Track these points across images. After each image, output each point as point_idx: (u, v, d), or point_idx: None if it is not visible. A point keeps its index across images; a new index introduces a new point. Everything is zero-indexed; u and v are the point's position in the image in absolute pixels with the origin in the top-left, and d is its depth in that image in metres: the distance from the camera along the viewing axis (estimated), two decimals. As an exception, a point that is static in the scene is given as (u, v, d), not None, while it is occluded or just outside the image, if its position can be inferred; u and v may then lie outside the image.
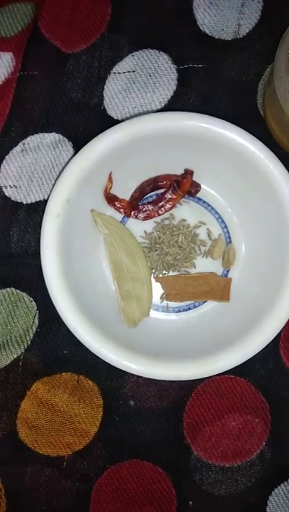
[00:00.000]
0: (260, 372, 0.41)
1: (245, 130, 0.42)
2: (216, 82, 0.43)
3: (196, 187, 0.42)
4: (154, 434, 0.41)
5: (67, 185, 0.36)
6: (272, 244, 0.39)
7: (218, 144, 0.37)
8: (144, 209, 0.42)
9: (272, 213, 0.38)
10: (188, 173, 0.41)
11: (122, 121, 0.42)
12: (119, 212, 0.41)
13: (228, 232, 0.42)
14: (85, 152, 0.36)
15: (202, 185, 0.42)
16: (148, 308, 0.41)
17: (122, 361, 0.36)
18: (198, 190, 0.42)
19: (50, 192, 0.37)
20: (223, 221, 0.42)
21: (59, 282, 0.36)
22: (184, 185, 0.41)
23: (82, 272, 0.39)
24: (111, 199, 0.41)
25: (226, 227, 0.42)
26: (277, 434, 0.41)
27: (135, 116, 0.43)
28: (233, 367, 0.36)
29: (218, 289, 0.41)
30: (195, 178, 0.41)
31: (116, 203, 0.41)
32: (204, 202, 0.42)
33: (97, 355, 0.35)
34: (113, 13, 0.43)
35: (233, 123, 0.42)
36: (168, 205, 0.41)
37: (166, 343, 0.40)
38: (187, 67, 0.42)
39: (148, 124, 0.36)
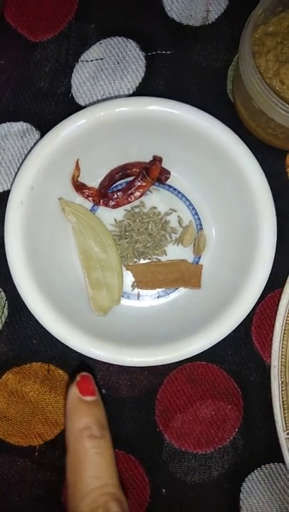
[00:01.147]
0: (232, 359, 0.41)
1: (215, 117, 0.42)
2: (185, 69, 0.42)
3: (166, 174, 0.41)
4: (126, 422, 0.41)
5: (31, 171, 0.36)
6: (241, 231, 0.39)
7: (185, 129, 0.37)
8: (113, 197, 0.41)
9: (240, 199, 0.38)
10: (157, 159, 0.41)
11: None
12: (88, 200, 0.41)
13: (199, 219, 0.42)
14: (48, 138, 0.36)
15: (172, 172, 0.42)
16: (118, 296, 0.40)
17: (88, 348, 0.35)
18: (168, 177, 0.42)
19: (13, 179, 0.36)
20: (193, 208, 0.42)
21: (24, 270, 0.35)
22: (153, 173, 0.41)
23: (51, 261, 0.39)
24: (79, 187, 0.41)
25: (196, 214, 0.42)
26: (250, 421, 0.41)
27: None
28: (201, 351, 0.36)
29: (189, 276, 0.41)
30: (165, 164, 0.41)
31: (84, 191, 0.41)
32: (175, 189, 0.42)
33: (62, 341, 0.35)
34: (80, 1, 0.43)
35: (203, 109, 0.42)
36: (137, 193, 0.41)
37: (137, 330, 0.40)
38: (155, 54, 0.42)
39: (112, 109, 0.36)
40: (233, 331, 0.39)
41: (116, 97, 0.42)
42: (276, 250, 0.41)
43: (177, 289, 0.42)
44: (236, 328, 0.37)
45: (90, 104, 0.42)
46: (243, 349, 0.41)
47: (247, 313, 0.36)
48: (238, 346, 0.41)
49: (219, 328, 0.36)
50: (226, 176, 0.38)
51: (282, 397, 0.37)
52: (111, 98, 0.42)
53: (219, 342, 0.37)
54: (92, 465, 0.30)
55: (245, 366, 0.41)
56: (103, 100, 0.42)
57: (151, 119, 0.37)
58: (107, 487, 0.29)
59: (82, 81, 0.42)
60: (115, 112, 0.36)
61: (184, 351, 0.36)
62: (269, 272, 0.36)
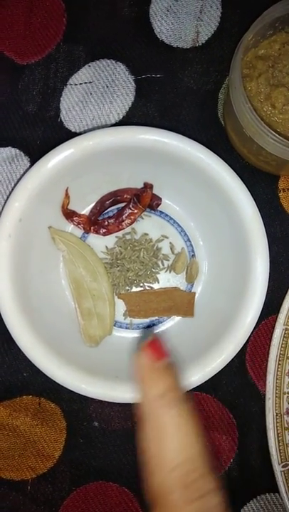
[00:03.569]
0: (227, 388, 0.40)
1: (207, 141, 0.41)
2: (175, 92, 0.42)
3: (157, 200, 0.41)
4: (119, 454, 0.40)
5: (19, 204, 0.35)
6: (234, 260, 0.38)
7: (175, 158, 0.36)
8: (104, 224, 0.41)
9: (232, 229, 0.37)
10: (148, 187, 0.40)
11: (80, 133, 0.41)
12: (79, 227, 0.40)
13: (191, 245, 0.41)
14: (36, 168, 0.35)
15: (163, 199, 0.41)
16: (110, 326, 0.40)
17: (79, 384, 0.35)
18: (160, 204, 0.41)
19: (1, 209, 0.35)
20: (186, 234, 0.41)
21: (11, 304, 0.35)
22: (144, 199, 0.40)
23: (41, 291, 0.38)
24: (69, 215, 0.40)
25: (188, 240, 0.41)
26: (245, 451, 0.40)
27: (93, 128, 0.42)
28: (194, 387, 0.35)
29: (181, 304, 0.41)
30: (156, 191, 0.41)
31: (75, 218, 0.40)
32: (166, 215, 0.41)
33: (52, 378, 0.34)
34: (68, 22, 0.42)
35: (193, 134, 0.41)
36: (129, 220, 0.41)
37: (129, 362, 0.39)
38: (145, 77, 0.41)
39: (100, 139, 0.35)
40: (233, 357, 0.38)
41: (106, 121, 0.41)
42: (269, 277, 0.40)
43: (170, 317, 0.41)
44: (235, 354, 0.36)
45: (80, 129, 0.41)
46: (237, 378, 0.40)
47: (240, 347, 0.35)
48: (233, 375, 0.40)
49: (212, 362, 0.36)
50: (217, 205, 0.38)
51: (277, 429, 0.37)
52: (101, 123, 0.41)
53: None
54: (177, 435, 0.27)
55: (240, 396, 0.40)
56: (93, 125, 0.41)
57: (140, 148, 0.36)
58: (196, 461, 0.27)
59: (71, 105, 0.41)
60: (104, 142, 0.35)
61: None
62: (262, 304, 0.36)
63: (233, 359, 0.39)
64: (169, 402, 0.28)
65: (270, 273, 0.41)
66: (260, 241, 0.36)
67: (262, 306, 0.36)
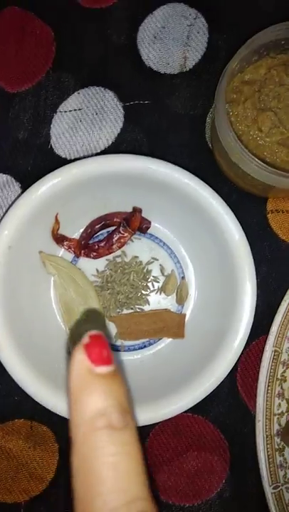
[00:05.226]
0: (218, 409, 0.41)
1: (195, 166, 0.42)
2: (163, 118, 0.42)
3: (147, 224, 0.41)
4: (111, 476, 0.40)
5: (8, 232, 0.35)
6: (222, 281, 0.38)
7: (162, 184, 0.37)
8: (94, 247, 0.41)
9: (219, 253, 0.38)
10: (137, 211, 0.40)
11: (71, 160, 0.42)
12: (69, 251, 0.41)
13: (181, 267, 0.42)
14: (26, 197, 0.36)
15: (153, 222, 0.41)
16: (101, 349, 0.40)
17: (63, 409, 0.35)
18: (149, 227, 0.41)
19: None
20: (175, 256, 0.42)
21: (3, 332, 0.35)
22: (133, 223, 0.40)
23: (31, 316, 0.39)
24: (59, 239, 0.40)
25: (178, 262, 0.42)
26: (237, 472, 0.40)
27: (83, 155, 0.42)
28: (184, 410, 0.36)
29: (172, 325, 0.41)
30: (145, 214, 0.41)
31: (65, 242, 0.41)
32: (156, 238, 0.42)
33: (42, 404, 0.35)
34: (57, 50, 0.43)
35: (182, 158, 0.42)
36: (119, 243, 0.41)
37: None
38: (133, 104, 0.42)
39: (89, 168, 0.36)
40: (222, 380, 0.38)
41: (95, 147, 0.42)
42: (259, 297, 0.41)
43: (161, 339, 0.41)
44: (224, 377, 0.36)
45: (70, 155, 0.42)
46: (228, 399, 0.41)
47: (229, 370, 0.36)
48: (224, 396, 0.41)
49: (202, 385, 0.36)
50: (204, 229, 0.38)
51: (268, 451, 0.37)
52: (90, 149, 0.42)
53: None
54: (114, 472, 0.19)
55: (231, 416, 0.41)
56: (83, 151, 0.42)
57: (128, 175, 0.37)
58: (137, 503, 0.19)
59: (61, 131, 0.42)
60: (91, 170, 0.36)
61: (168, 409, 0.36)
62: (250, 328, 0.36)
63: (224, 380, 0.40)
64: (109, 425, 0.20)
65: (260, 293, 0.41)
66: (247, 265, 0.36)
67: (249, 330, 0.36)
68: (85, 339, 0.22)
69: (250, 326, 0.36)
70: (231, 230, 0.36)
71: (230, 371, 0.40)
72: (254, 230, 0.42)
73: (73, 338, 0.40)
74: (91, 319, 0.40)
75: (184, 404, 0.36)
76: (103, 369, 0.21)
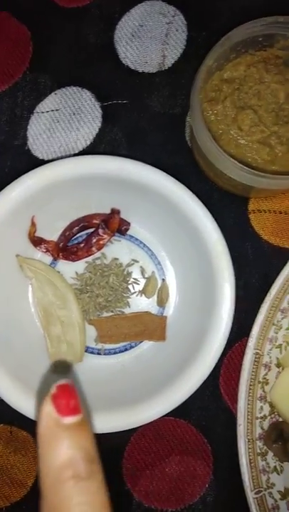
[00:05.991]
0: (201, 412, 0.40)
1: (174, 163, 0.41)
2: (142, 117, 0.42)
3: (126, 225, 0.41)
4: (92, 482, 0.40)
5: (-19, 236, 0.35)
6: (201, 282, 0.38)
7: (139, 185, 0.36)
8: (73, 250, 0.41)
9: (198, 252, 0.37)
10: (115, 212, 0.40)
11: (48, 161, 0.41)
12: (47, 254, 0.40)
13: (162, 269, 0.41)
14: (0, 200, 0.35)
15: (132, 223, 0.41)
16: (81, 353, 0.39)
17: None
18: (128, 229, 0.41)
19: None
20: (156, 258, 0.41)
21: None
22: (111, 225, 0.40)
23: (9, 320, 0.38)
24: (37, 242, 0.40)
25: (159, 264, 0.41)
26: (220, 476, 0.39)
27: (61, 155, 0.42)
28: (161, 415, 0.35)
29: (153, 328, 0.40)
30: (124, 216, 0.41)
31: (43, 245, 0.40)
32: (136, 239, 0.41)
33: (18, 410, 0.34)
34: (34, 51, 0.42)
35: (161, 157, 0.41)
36: (98, 245, 0.41)
37: (101, 388, 0.39)
38: (111, 104, 0.42)
39: (63, 169, 0.35)
40: (201, 384, 0.38)
41: (73, 148, 0.42)
42: (242, 298, 0.40)
43: (142, 342, 0.41)
44: (204, 380, 0.36)
45: (48, 156, 0.42)
46: (211, 402, 0.40)
47: (208, 374, 0.35)
48: (207, 399, 0.40)
49: (182, 388, 0.35)
50: (183, 230, 0.38)
51: (249, 456, 0.36)
52: (68, 150, 0.42)
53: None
54: None
55: (214, 420, 0.40)
56: (60, 152, 0.42)
57: (104, 176, 0.36)
58: None
59: (39, 133, 0.42)
60: (66, 172, 0.35)
61: (148, 414, 0.35)
62: (228, 331, 0.35)
63: (207, 383, 0.39)
64: (75, 475, 0.21)
65: (243, 294, 0.41)
66: (225, 266, 0.36)
67: (228, 333, 0.35)
68: (53, 390, 0.23)
69: (229, 328, 0.36)
70: (209, 231, 0.36)
71: (213, 374, 0.40)
72: (236, 231, 0.41)
73: (51, 342, 0.39)
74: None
75: (164, 408, 0.35)
76: (70, 419, 0.22)
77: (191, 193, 0.36)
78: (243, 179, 0.36)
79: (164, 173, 0.36)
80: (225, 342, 0.36)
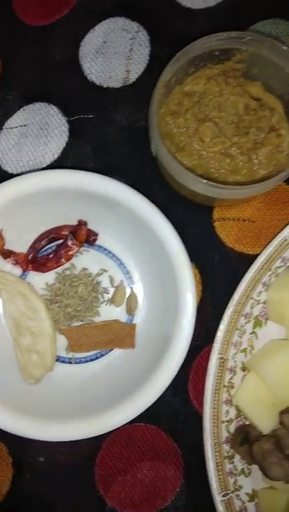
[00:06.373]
0: (171, 417, 0.41)
1: (140, 175, 0.42)
2: (108, 131, 0.43)
3: (94, 236, 0.42)
4: (65, 488, 0.40)
5: None
6: (165, 291, 0.39)
7: (102, 198, 0.38)
8: (43, 261, 0.42)
9: (161, 261, 0.38)
10: (82, 223, 0.41)
11: (18, 175, 0.43)
12: (17, 266, 0.41)
13: (130, 277, 0.42)
14: None
15: (100, 234, 0.42)
16: (51, 363, 0.40)
17: (19, 428, 0.35)
18: (96, 239, 0.42)
19: None
20: (124, 267, 0.42)
21: None
22: (79, 236, 0.41)
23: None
24: (6, 254, 0.41)
25: (127, 272, 0.42)
26: (191, 480, 0.40)
27: (30, 169, 0.43)
28: (126, 422, 0.36)
29: (122, 336, 0.41)
30: (92, 227, 0.42)
31: (12, 257, 0.41)
32: (105, 249, 0.42)
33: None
34: (2, 67, 0.43)
35: (128, 169, 0.42)
36: (66, 256, 0.41)
37: (72, 396, 0.39)
38: (77, 118, 0.43)
39: (27, 184, 0.37)
40: (170, 389, 0.39)
41: (42, 162, 0.43)
42: (210, 304, 0.41)
43: (112, 350, 0.42)
44: (173, 386, 0.37)
45: (17, 171, 0.43)
46: (181, 407, 0.41)
47: (171, 380, 0.36)
48: (176, 404, 0.41)
49: (147, 394, 0.36)
50: (147, 241, 0.39)
51: (216, 459, 0.37)
52: (37, 164, 0.43)
53: (157, 401, 0.37)
54: None
55: (184, 424, 0.41)
56: (30, 166, 0.43)
57: (69, 190, 0.37)
58: None
59: (8, 148, 0.43)
60: (30, 186, 0.37)
61: (109, 422, 0.36)
62: (190, 338, 0.36)
63: (176, 388, 0.40)
64: None
65: (210, 301, 0.42)
66: (186, 276, 0.37)
67: (190, 339, 0.36)
68: None
69: (191, 336, 0.37)
70: (171, 243, 0.37)
71: (182, 379, 0.41)
72: (202, 239, 0.42)
73: (21, 353, 0.40)
74: (40, 333, 0.40)
75: (132, 413, 0.36)
76: None
77: (153, 205, 0.37)
78: (203, 191, 0.37)
79: (129, 187, 0.37)
80: (187, 348, 0.37)
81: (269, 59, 0.38)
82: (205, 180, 0.36)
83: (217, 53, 0.39)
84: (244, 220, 0.43)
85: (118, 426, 0.36)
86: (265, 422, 0.37)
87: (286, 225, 0.40)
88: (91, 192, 0.37)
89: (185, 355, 0.36)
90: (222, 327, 0.38)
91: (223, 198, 0.38)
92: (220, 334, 0.38)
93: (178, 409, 0.41)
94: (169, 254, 0.37)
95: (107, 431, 0.36)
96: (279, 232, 0.40)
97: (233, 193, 0.37)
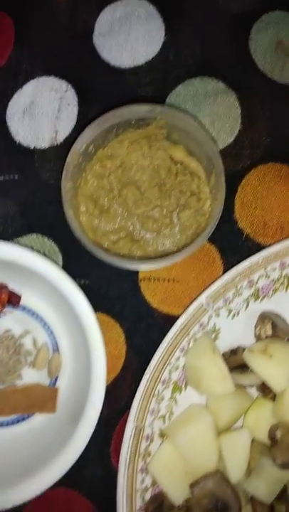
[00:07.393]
0: (92, 482, 0.41)
1: (67, 235, 0.42)
2: (37, 190, 0.43)
3: (16, 298, 0.42)
4: None
5: None
6: (83, 355, 0.39)
7: (25, 269, 0.38)
8: None
9: (79, 327, 0.38)
10: (2, 287, 0.41)
11: None
12: None
13: (54, 338, 0.42)
14: None
15: (25, 294, 0.42)
16: None
17: None
18: (19, 301, 0.42)
19: None
20: (49, 328, 0.42)
21: None
22: (0, 299, 0.41)
23: None
24: None
25: (52, 333, 0.42)
26: None
27: None
28: (53, 483, 0.36)
29: (44, 400, 0.41)
30: (17, 288, 0.42)
31: None
32: (29, 310, 0.42)
33: None
34: None
35: (57, 227, 0.42)
36: (-11, 318, 0.41)
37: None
38: (2, 181, 0.43)
39: None
40: (93, 452, 0.39)
41: None
42: (135, 366, 0.41)
43: (34, 413, 0.41)
44: (96, 448, 0.36)
45: None
46: (102, 472, 0.41)
47: (86, 443, 0.36)
48: (97, 469, 0.41)
49: (65, 459, 0.36)
50: (66, 307, 0.39)
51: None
52: None
53: (77, 465, 0.37)
54: None
55: (106, 489, 0.40)
56: None
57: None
58: None
59: None
60: None
61: (20, 495, 0.36)
62: (100, 405, 0.36)
63: (97, 451, 0.40)
64: None
65: (136, 362, 0.42)
66: (98, 347, 0.37)
67: (100, 408, 0.36)
68: None
69: (101, 403, 0.37)
70: (84, 313, 0.37)
71: (104, 443, 0.41)
72: (127, 300, 0.42)
73: None
74: None
75: (51, 479, 0.36)
76: None
77: (63, 273, 0.37)
78: (119, 266, 0.37)
79: (46, 259, 0.37)
80: (98, 414, 0.37)
81: (184, 129, 0.39)
82: (122, 261, 0.36)
83: (133, 122, 0.39)
84: (168, 281, 0.43)
85: (38, 493, 0.36)
86: (176, 492, 0.37)
87: (204, 289, 0.40)
88: (12, 262, 0.38)
89: (96, 420, 0.36)
90: (138, 394, 0.38)
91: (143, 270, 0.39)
92: (135, 402, 0.38)
93: (99, 474, 0.41)
94: (83, 322, 0.37)
95: (29, 499, 0.36)
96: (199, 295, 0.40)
97: (151, 267, 0.38)
